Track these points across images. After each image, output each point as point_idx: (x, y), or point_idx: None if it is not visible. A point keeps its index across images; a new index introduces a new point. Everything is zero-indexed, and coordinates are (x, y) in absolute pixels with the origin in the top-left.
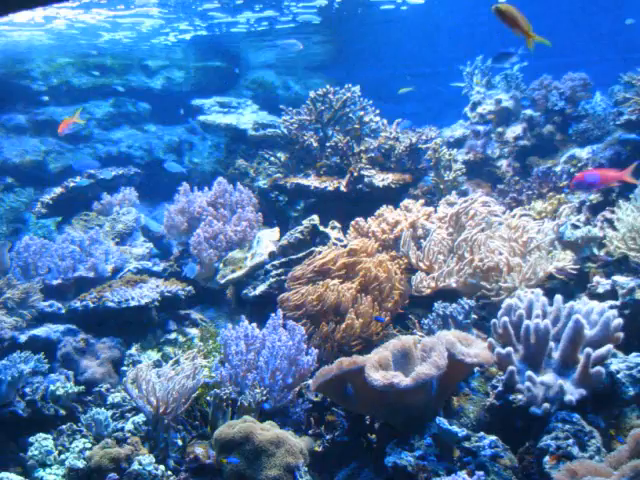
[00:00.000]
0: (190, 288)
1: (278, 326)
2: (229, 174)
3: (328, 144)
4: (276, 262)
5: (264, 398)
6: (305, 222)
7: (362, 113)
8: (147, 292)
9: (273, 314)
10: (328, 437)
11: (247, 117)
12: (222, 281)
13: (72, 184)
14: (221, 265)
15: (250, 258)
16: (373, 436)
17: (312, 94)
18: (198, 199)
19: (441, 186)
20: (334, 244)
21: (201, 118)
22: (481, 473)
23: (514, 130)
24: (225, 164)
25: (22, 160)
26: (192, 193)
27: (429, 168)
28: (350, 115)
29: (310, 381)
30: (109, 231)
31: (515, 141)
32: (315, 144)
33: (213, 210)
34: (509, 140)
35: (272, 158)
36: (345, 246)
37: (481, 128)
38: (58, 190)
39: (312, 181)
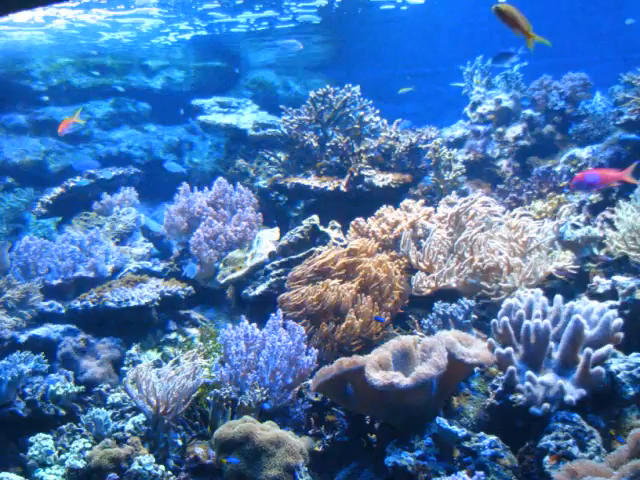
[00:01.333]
0: (190, 288)
1: (278, 326)
2: (229, 174)
3: (328, 144)
4: (276, 262)
5: (264, 398)
6: (305, 222)
7: (362, 113)
8: (147, 292)
9: (273, 314)
10: (328, 437)
11: (247, 117)
12: (222, 281)
13: (72, 184)
14: (221, 265)
15: (250, 258)
16: (373, 436)
17: (312, 94)
18: (198, 199)
19: (441, 186)
20: (334, 244)
21: (201, 118)
22: (481, 473)
23: (514, 130)
24: (225, 164)
25: (22, 160)
26: (192, 193)
27: (429, 168)
28: (350, 115)
29: (310, 381)
30: (109, 231)
31: (515, 141)
32: (315, 144)
33: (213, 210)
34: (509, 140)
35: (272, 158)
36: (345, 246)
37: (481, 128)
38: (58, 190)
39: (312, 181)
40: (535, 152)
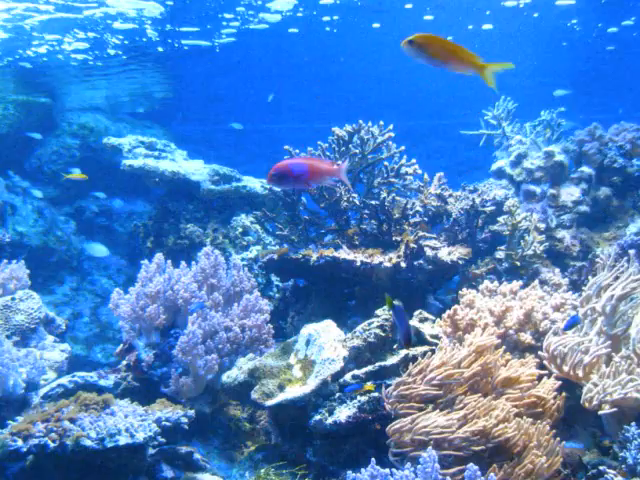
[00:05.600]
0: (192, 412)
1: None
2: (171, 246)
3: (364, 202)
4: (360, 371)
5: None
6: (381, 312)
7: (403, 161)
8: (135, 421)
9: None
10: None
11: (193, 165)
12: (269, 403)
13: None
14: (247, 377)
15: (302, 366)
16: None
17: (338, 131)
18: (183, 278)
19: (517, 263)
20: (429, 343)
21: (127, 163)
22: None
23: (571, 192)
24: (163, 231)
25: None
26: (169, 268)
27: (493, 238)
28: (385, 164)
29: None
30: (1, 324)
31: (575, 206)
32: (345, 203)
33: (204, 295)
34: (567, 204)
35: (276, 224)
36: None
37: (537, 189)
38: None
39: (353, 255)
40: (594, 221)
